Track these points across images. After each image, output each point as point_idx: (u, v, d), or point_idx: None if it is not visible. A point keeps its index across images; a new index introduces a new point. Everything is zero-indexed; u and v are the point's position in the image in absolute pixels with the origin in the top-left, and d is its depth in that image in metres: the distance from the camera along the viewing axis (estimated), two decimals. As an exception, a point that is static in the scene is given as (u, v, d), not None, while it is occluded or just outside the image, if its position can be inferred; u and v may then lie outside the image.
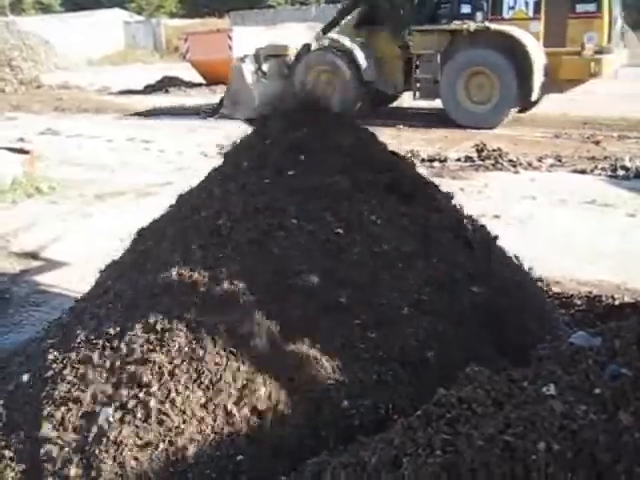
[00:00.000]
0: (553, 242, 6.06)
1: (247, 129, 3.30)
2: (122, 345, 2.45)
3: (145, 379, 2.33)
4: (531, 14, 11.84)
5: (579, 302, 4.56)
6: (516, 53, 11.41)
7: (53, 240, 6.61)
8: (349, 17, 13.44)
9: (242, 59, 13.71)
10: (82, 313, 2.80)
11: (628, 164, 8.80)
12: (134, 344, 2.43)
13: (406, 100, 13.98)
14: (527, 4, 11.83)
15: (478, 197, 7.52)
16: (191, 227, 2.72)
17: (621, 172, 8.54)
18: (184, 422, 2.27)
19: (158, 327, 2.42)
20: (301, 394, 2.30)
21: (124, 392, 2.35)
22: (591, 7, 11.37)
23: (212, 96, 19.29)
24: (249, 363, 2.33)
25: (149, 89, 20.85)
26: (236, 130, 3.37)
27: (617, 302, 4.49)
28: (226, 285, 2.43)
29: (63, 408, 2.45)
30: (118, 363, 2.42)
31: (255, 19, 41.22)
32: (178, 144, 11.55)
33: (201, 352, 2.34)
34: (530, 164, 9.03)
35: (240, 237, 2.59)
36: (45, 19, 35.40)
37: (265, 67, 13.54)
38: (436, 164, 9.14)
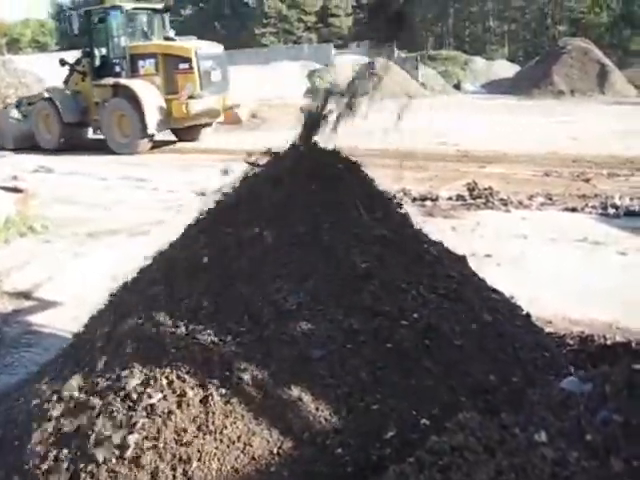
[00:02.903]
0: (545, 281, 6.09)
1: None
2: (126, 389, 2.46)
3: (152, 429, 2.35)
4: (154, 71, 15.96)
5: (571, 342, 4.57)
6: (136, 99, 15.44)
7: (46, 279, 6.60)
8: (79, 68, 17.11)
9: (6, 106, 18.68)
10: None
11: (618, 202, 8.88)
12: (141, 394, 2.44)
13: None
14: (151, 64, 15.99)
15: (470, 236, 7.55)
16: (181, 280, 2.73)
17: (611, 210, 8.60)
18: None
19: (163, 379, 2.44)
20: (296, 442, 2.31)
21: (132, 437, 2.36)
22: (187, 65, 15.62)
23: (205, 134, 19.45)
24: (245, 412, 2.35)
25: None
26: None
27: (609, 342, 4.49)
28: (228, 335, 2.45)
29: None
30: (125, 411, 2.43)
31: (248, 58, 41.66)
32: (171, 183, 11.60)
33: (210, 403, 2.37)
34: (521, 203, 9.09)
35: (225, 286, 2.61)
36: (41, 57, 35.68)
37: (24, 110, 17.70)
38: (428, 203, 9.19)
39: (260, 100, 21.15)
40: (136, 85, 15.64)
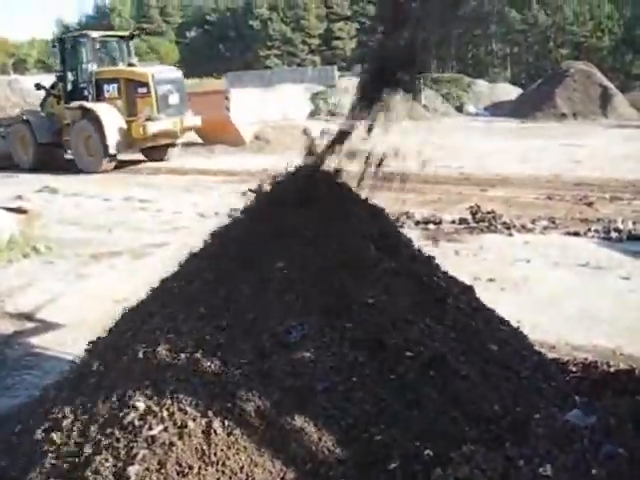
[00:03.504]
0: (548, 306, 6.07)
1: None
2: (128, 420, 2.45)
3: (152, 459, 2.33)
4: (117, 95, 17.09)
5: (575, 369, 4.54)
6: (98, 121, 16.46)
7: (48, 301, 6.60)
8: (54, 92, 18.07)
9: None
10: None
11: (621, 226, 8.88)
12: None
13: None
14: (114, 88, 17.10)
15: (473, 260, 7.56)
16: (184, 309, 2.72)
17: (614, 234, 8.60)
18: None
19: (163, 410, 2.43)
20: (298, 473, 2.29)
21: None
22: (145, 90, 16.72)
23: (209, 155, 19.55)
24: (247, 443, 2.33)
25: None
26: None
27: (612, 369, 4.47)
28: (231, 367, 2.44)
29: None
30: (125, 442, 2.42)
31: (252, 80, 41.91)
32: (175, 204, 11.64)
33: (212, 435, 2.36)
34: (524, 226, 9.10)
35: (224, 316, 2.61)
36: (46, 78, 35.89)
37: (2, 132, 18.71)
38: (431, 226, 9.20)
39: (264, 122, 21.24)
40: (99, 108, 16.80)
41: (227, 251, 2.91)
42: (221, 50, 77.65)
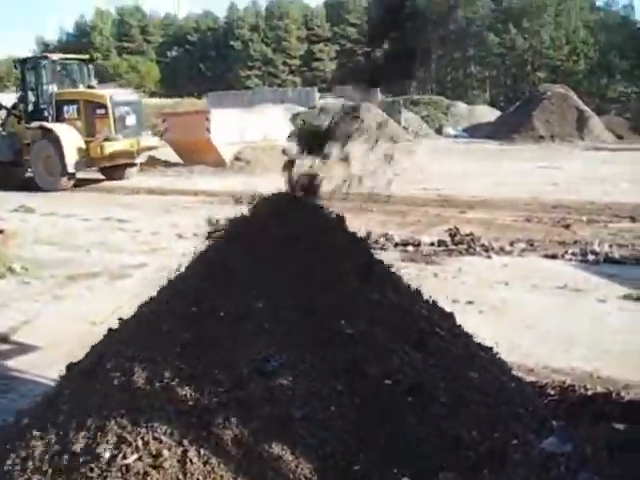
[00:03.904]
0: (526, 328, 6.11)
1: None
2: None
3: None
4: (76, 116, 17.65)
5: (553, 392, 4.56)
6: (58, 141, 16.97)
7: (24, 322, 6.52)
8: (15, 112, 18.58)
9: None
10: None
11: (597, 249, 8.97)
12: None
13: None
14: (74, 109, 17.65)
15: (452, 282, 7.59)
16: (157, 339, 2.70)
17: (591, 257, 8.68)
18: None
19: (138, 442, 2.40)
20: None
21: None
22: (103, 111, 17.37)
23: (190, 175, 19.55)
24: (224, 472, 2.31)
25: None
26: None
27: (590, 392, 4.49)
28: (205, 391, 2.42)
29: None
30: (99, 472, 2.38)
31: (233, 100, 42.01)
32: (154, 224, 11.59)
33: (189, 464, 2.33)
34: (502, 249, 9.16)
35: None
36: (6, 98, 35.70)
37: None
38: (410, 248, 9.23)
39: (244, 142, 21.27)
40: (59, 128, 17.37)
41: (205, 279, 2.89)
42: (202, 70, 77.88)
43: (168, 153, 21.98)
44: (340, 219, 3.26)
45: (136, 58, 75.28)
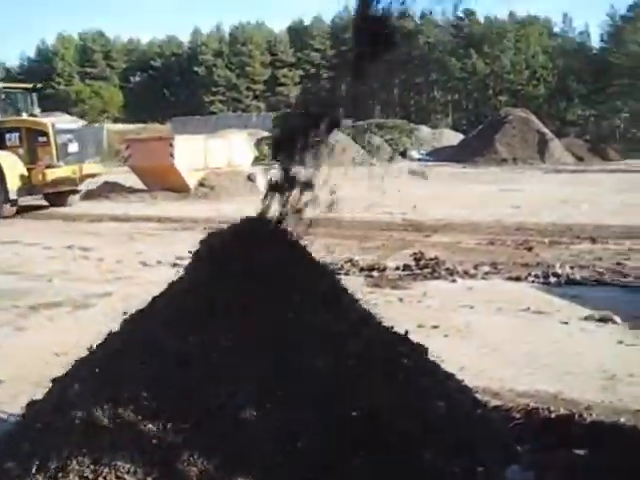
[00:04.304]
0: (491, 351, 6.16)
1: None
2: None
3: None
4: (19, 143, 18.00)
5: (518, 415, 4.60)
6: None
7: (-16, 355, 6.39)
8: None
9: None
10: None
11: (559, 270, 9.10)
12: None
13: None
14: (16, 137, 18.01)
15: (417, 307, 7.62)
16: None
17: (553, 279, 8.80)
18: None
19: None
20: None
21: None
22: (45, 139, 17.76)
23: (153, 202, 19.47)
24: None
25: (89, 195, 20.90)
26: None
27: (553, 414, 4.54)
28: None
29: None
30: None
31: (197, 125, 42.02)
32: (118, 252, 11.48)
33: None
34: (467, 272, 9.24)
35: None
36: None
37: None
38: (375, 273, 9.26)
39: (208, 168, 21.27)
40: (1, 155, 17.60)
41: (168, 314, 2.87)
42: (166, 95, 77.81)
43: (132, 179, 21.88)
44: (304, 246, 3.26)
45: (99, 83, 74.89)
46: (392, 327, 3.32)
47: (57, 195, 18.89)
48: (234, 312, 2.78)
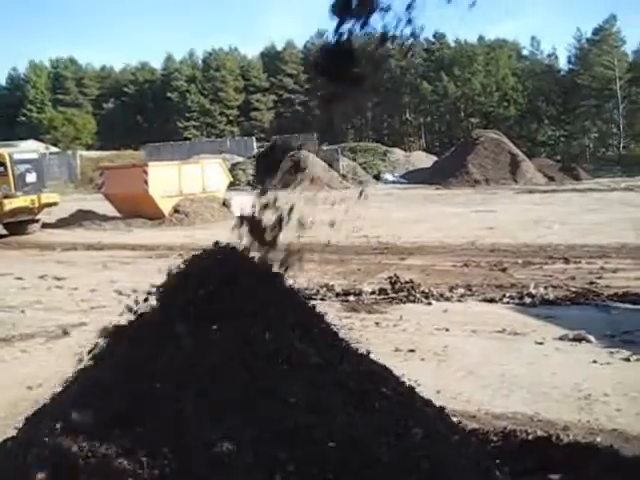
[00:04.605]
0: (467, 374, 6.18)
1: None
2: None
3: None
4: None
5: (495, 438, 4.62)
6: None
7: (-45, 389, 6.28)
8: None
9: None
10: None
11: (533, 291, 9.18)
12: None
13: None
14: None
15: (393, 331, 7.63)
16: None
17: (527, 299, 8.88)
18: None
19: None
20: None
21: None
22: (2, 170, 18.28)
23: (128, 229, 19.38)
24: None
25: (63, 223, 20.77)
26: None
27: (531, 436, 4.57)
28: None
29: None
30: None
31: (171, 151, 41.97)
32: (92, 281, 11.39)
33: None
34: (442, 295, 9.28)
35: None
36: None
37: None
38: (351, 298, 9.26)
39: (183, 194, 21.25)
40: None
41: (142, 348, 2.85)
42: (139, 121, 77.72)
43: (105, 207, 21.77)
44: (278, 273, 3.26)
45: (72, 111, 74.57)
46: (369, 353, 3.32)
47: (17, 224, 19.19)
48: (205, 346, 2.77)
